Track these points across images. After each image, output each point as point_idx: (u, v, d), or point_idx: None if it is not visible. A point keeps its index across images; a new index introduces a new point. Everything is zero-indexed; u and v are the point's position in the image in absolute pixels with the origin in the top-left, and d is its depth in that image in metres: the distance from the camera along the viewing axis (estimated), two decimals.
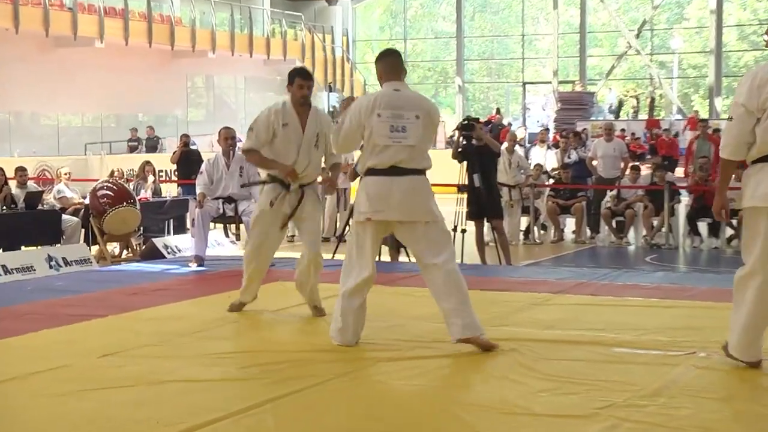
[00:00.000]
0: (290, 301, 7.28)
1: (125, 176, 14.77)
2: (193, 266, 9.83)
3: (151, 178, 14.24)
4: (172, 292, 8.10)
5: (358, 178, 5.88)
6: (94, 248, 12.24)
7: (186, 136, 16.51)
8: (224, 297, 7.80)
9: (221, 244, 12.84)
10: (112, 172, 14.41)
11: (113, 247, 13.01)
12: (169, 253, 12.05)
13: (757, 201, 4.88)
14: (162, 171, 21.68)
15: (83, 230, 12.44)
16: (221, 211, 10.27)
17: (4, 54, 25.85)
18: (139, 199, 12.73)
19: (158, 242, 12.28)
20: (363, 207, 5.65)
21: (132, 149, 26.46)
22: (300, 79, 6.59)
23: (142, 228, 13.07)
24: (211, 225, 10.72)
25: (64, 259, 10.82)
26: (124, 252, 12.76)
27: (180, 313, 6.97)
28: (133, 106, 30.06)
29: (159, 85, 30.83)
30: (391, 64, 5.77)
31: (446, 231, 5.85)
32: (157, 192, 14.36)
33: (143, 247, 12.83)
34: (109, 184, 12.35)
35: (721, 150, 4.99)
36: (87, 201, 12.55)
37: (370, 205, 5.61)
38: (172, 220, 13.79)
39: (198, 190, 10.20)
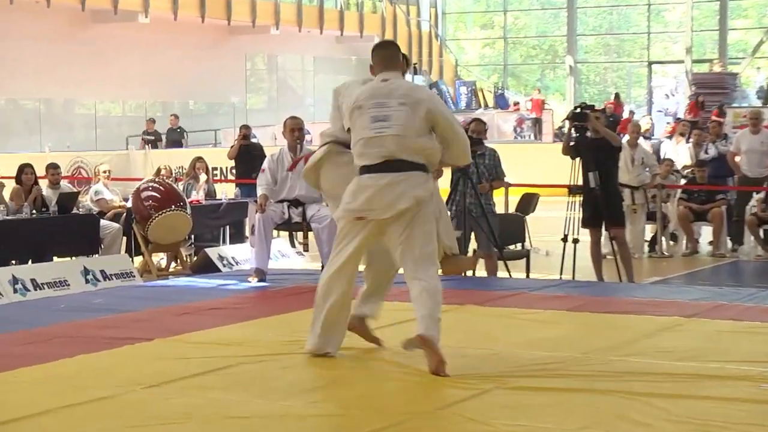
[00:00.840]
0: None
1: (173, 175, 15.01)
2: (253, 281, 9.92)
3: (203, 177, 14.42)
4: (229, 312, 8.18)
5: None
6: (138, 259, 12.45)
7: (246, 127, 16.68)
8: (290, 318, 7.85)
9: (286, 255, 12.95)
10: (159, 170, 14.64)
11: (159, 259, 13.21)
12: (224, 265, 12.19)
13: None
14: (216, 168, 21.99)
15: (125, 238, 12.66)
16: (286, 216, 10.33)
17: (34, 31, 26.49)
18: (190, 202, 12.90)
19: (212, 253, 12.43)
20: (343, 204, 6.12)
21: (149, 144, 25.63)
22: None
23: (193, 236, 13.24)
24: (275, 233, 10.81)
25: (102, 272, 11.02)
26: (172, 264, 12.95)
27: (238, 337, 7.03)
28: (183, 92, 30.51)
29: (213, 67, 31.25)
30: (385, 56, 6.23)
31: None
32: (210, 193, 14.54)
33: (194, 259, 12.99)
34: (155, 185, 12.54)
35: None
36: (129, 204, 12.77)
37: (349, 202, 6.05)
38: (228, 227, 13.95)
39: (259, 192, 10.28)
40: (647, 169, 14.15)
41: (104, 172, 13.79)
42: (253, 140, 17.03)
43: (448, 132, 6.07)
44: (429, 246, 6.03)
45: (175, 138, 26.04)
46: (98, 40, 28.11)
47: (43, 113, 27.39)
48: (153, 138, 25.80)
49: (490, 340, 6.82)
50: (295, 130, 10.25)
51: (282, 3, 32.62)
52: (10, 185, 12.55)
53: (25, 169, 12.37)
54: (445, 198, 10.98)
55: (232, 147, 16.86)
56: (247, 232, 13.15)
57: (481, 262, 10.60)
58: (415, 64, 35.72)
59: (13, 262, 11.16)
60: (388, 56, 6.22)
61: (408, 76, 33.61)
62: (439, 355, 5.81)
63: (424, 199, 5.99)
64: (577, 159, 10.76)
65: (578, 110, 10.79)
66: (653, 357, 6.26)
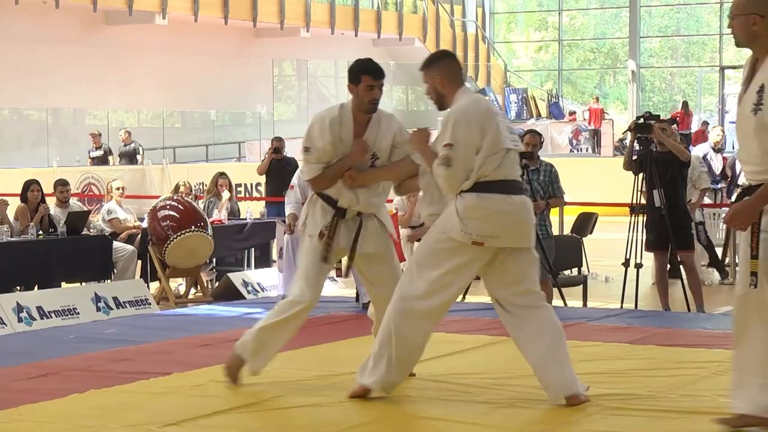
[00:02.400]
0: None
1: (193, 192, 15.06)
2: None
3: (226, 195, 14.48)
4: None
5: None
6: (154, 285, 12.51)
7: (278, 139, 16.63)
8: (321, 350, 7.87)
9: None
10: (177, 187, 14.70)
11: (178, 284, 13.26)
12: (249, 291, 12.23)
13: None
14: (240, 185, 22.07)
15: (140, 262, 12.73)
16: None
17: (42, 34, 26.73)
18: (212, 222, 12.96)
19: (235, 278, 12.47)
20: (475, 228, 5.94)
21: (96, 162, 24.27)
22: (370, 77, 6.54)
23: (214, 260, 13.29)
24: None
25: (115, 299, 11.09)
26: (192, 290, 13.00)
27: (264, 372, 7.05)
28: (204, 100, 30.66)
29: (237, 73, 31.39)
30: (455, 67, 6.29)
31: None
32: (234, 212, 14.59)
33: (216, 285, 13.04)
34: (173, 203, 12.60)
35: None
36: (145, 224, 12.84)
37: (486, 227, 5.92)
38: (253, 250, 13.99)
39: (287, 210, 10.33)
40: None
41: (117, 189, 13.87)
42: (286, 154, 16.96)
43: None
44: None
45: (130, 154, 24.95)
46: (111, 44, 28.32)
47: (51, 124, 27.62)
48: (102, 154, 24.60)
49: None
50: None
51: (313, 2, 32.74)
52: (15, 203, 12.66)
53: (31, 186, 12.48)
54: None
55: (262, 161, 16.80)
56: (275, 256, 13.21)
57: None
58: None
59: (18, 288, 11.25)
60: (459, 68, 6.34)
61: None
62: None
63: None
64: (641, 175, 10.72)
65: (642, 121, 10.76)
66: (726, 396, 6.21)
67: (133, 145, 24.88)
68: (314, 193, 6.71)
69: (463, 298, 10.64)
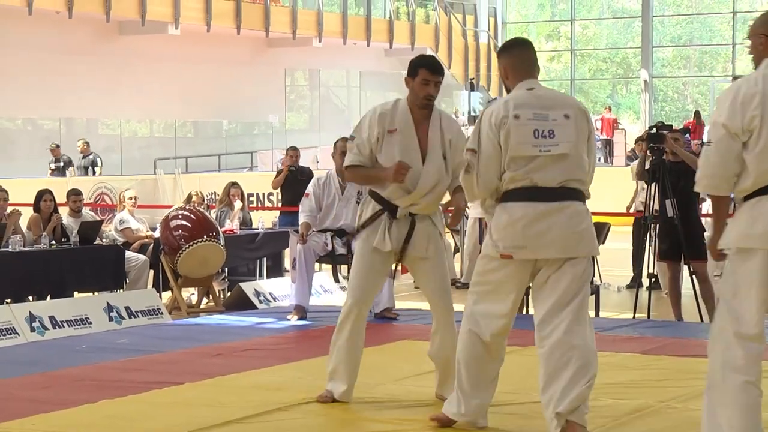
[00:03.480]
0: (421, 367, 7.30)
1: (206, 202, 15.07)
2: (293, 319, 9.96)
3: (238, 204, 14.49)
4: (266, 354, 8.23)
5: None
6: (166, 295, 12.53)
7: (294, 149, 16.55)
8: None
9: (329, 291, 12.98)
10: (189, 197, 14.72)
11: (190, 294, 13.28)
12: (261, 301, 12.24)
13: (754, 241, 4.97)
14: (252, 195, 22.10)
15: (152, 271, 12.75)
16: (329, 247, 10.37)
17: (55, 44, 26.82)
18: (224, 232, 12.97)
19: (247, 288, 12.48)
20: (500, 239, 5.63)
21: (56, 173, 23.70)
22: (427, 71, 6.41)
23: (227, 269, 13.30)
24: (317, 266, 10.84)
25: (127, 309, 11.10)
26: (204, 300, 13.01)
27: (276, 382, 7.06)
28: (216, 110, 30.72)
29: (249, 83, 31.45)
30: (523, 58, 5.83)
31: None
32: (246, 222, 14.60)
33: (228, 295, 13.05)
34: (186, 213, 12.62)
35: (697, 184, 5.11)
36: (157, 234, 12.86)
37: (510, 238, 5.59)
38: (265, 259, 14.00)
39: (301, 219, 10.32)
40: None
41: (130, 198, 13.89)
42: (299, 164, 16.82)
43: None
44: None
45: (87, 166, 24.24)
46: (124, 54, 28.38)
47: (64, 134, 27.68)
48: (62, 165, 24.01)
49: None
50: (344, 152, 10.21)
51: (325, 13, 32.78)
52: (28, 213, 12.69)
53: (44, 196, 12.51)
54: None
55: (277, 174, 16.56)
56: (287, 265, 13.22)
57: None
58: (472, 79, 35.76)
59: (30, 297, 11.27)
60: (525, 58, 5.84)
61: (464, 93, 33.38)
62: None
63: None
64: (653, 185, 10.71)
65: (654, 130, 10.75)
66: None
67: (91, 156, 24.33)
68: (368, 193, 6.70)
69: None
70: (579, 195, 5.67)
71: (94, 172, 23.93)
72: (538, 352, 5.60)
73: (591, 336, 5.58)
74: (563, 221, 5.56)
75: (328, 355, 6.62)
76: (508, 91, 5.85)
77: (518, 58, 5.81)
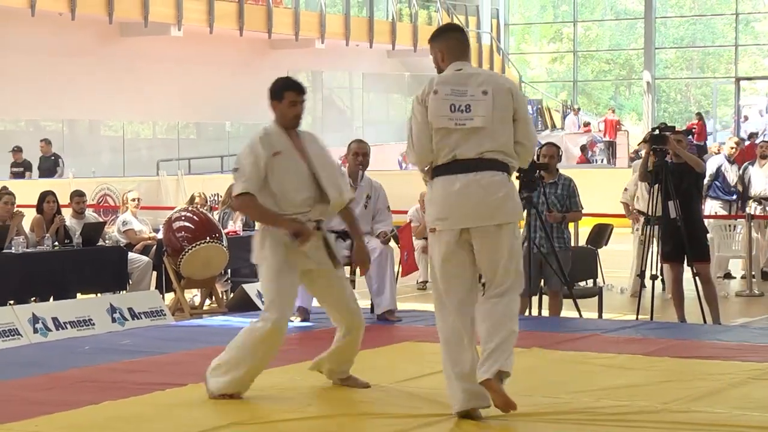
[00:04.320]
0: (424, 368, 7.31)
1: (209, 203, 15.11)
2: (296, 321, 9.96)
3: None
4: None
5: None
6: (169, 296, 12.54)
7: None
8: None
9: None
10: (192, 198, 14.74)
11: (193, 296, 13.29)
12: (263, 303, 12.23)
13: None
14: None
15: (155, 273, 12.76)
16: None
17: (58, 46, 26.84)
18: (227, 233, 12.99)
19: (250, 289, 12.49)
20: (429, 215, 6.08)
21: (17, 176, 23.01)
22: (294, 93, 6.70)
23: (229, 270, 13.31)
24: None
25: (130, 310, 11.11)
26: (207, 301, 13.02)
27: (278, 383, 7.06)
28: (219, 112, 30.73)
29: (252, 84, 31.37)
30: (457, 41, 6.24)
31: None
32: (249, 224, 14.61)
33: (231, 296, 13.06)
34: (189, 214, 12.64)
35: None
36: (160, 235, 12.87)
37: (436, 211, 6.01)
38: None
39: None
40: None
41: (133, 200, 13.91)
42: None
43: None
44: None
45: (49, 167, 23.89)
46: (127, 56, 28.40)
47: (66, 136, 27.70)
48: (22, 169, 23.64)
49: (558, 388, 6.79)
50: (359, 154, 10.22)
51: (328, 14, 32.78)
52: (31, 214, 12.70)
53: (46, 197, 12.52)
54: None
55: None
56: None
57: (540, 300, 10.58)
58: None
59: (34, 299, 11.28)
60: (457, 42, 6.28)
61: None
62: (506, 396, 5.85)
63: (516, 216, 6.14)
64: (656, 186, 10.70)
65: (657, 132, 10.74)
66: (742, 408, 6.21)
67: (52, 157, 24.06)
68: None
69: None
70: (497, 165, 5.99)
71: (56, 173, 23.55)
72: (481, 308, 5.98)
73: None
74: (478, 191, 5.92)
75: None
76: (440, 71, 6.21)
77: (453, 41, 6.25)
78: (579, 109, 36.94)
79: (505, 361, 5.83)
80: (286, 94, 6.67)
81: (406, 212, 14.90)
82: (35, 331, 10.06)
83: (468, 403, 5.94)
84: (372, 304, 10.26)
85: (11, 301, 10.83)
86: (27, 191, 15.90)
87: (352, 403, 6.49)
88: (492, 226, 5.93)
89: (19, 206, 12.55)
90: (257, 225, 6.90)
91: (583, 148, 31.69)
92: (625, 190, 13.89)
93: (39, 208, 12.51)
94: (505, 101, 6.02)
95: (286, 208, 6.61)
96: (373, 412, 6.30)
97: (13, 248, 11.47)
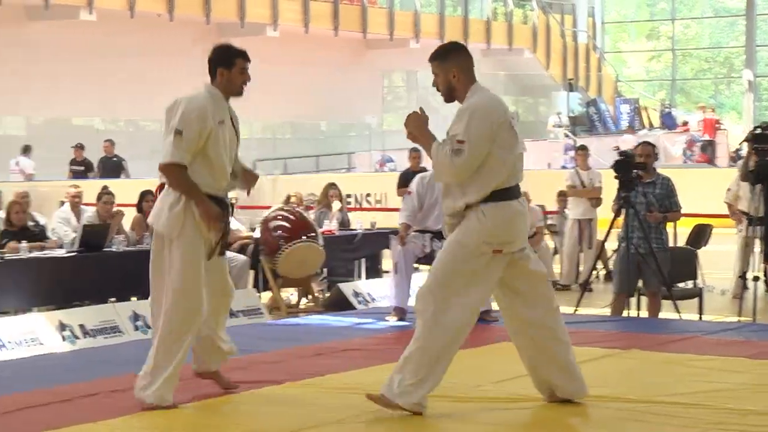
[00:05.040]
0: (521, 369, 7.28)
1: (304, 203, 15.18)
2: (393, 320, 9.97)
3: (337, 205, 14.57)
4: (366, 354, 8.24)
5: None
6: (266, 295, 12.63)
7: (417, 150, 16.40)
8: None
9: None
10: (288, 198, 14.84)
11: (289, 294, 13.37)
12: (360, 302, 12.29)
13: None
14: (350, 196, 22.17)
15: (252, 272, 12.86)
16: (428, 249, 10.35)
17: (156, 45, 27.21)
18: (323, 233, 13.04)
19: (346, 288, 12.54)
20: (494, 237, 6.05)
21: (76, 175, 22.75)
22: (243, 60, 6.60)
23: (325, 270, 13.37)
24: (415, 266, 10.85)
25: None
26: (303, 300, 13.10)
27: (377, 382, 7.06)
28: (314, 112, 30.92)
29: (346, 84, 31.60)
30: (472, 63, 6.26)
31: None
32: (344, 223, 14.67)
33: (327, 295, 13.12)
34: (285, 213, 12.70)
35: None
36: (257, 234, 12.97)
37: (504, 235, 6.06)
38: (364, 260, 14.04)
39: (400, 219, 10.31)
40: None
41: (230, 199, 14.00)
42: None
43: None
44: None
45: (114, 166, 23.74)
46: None
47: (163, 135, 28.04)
48: (82, 167, 23.56)
49: (657, 390, 6.71)
50: None
51: (422, 14, 32.82)
52: (131, 214, 12.87)
53: (146, 197, 12.68)
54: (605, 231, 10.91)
55: (399, 184, 16.22)
56: (386, 266, 13.26)
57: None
58: (570, 80, 35.51)
59: (134, 297, 11.43)
60: (472, 61, 6.32)
61: (563, 94, 33.22)
62: None
63: None
64: (758, 186, 10.54)
65: (759, 131, 10.58)
66: None
67: (114, 158, 23.97)
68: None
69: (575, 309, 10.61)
70: None
71: (119, 174, 23.40)
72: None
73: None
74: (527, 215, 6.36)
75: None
76: (452, 90, 6.26)
77: (468, 62, 6.27)
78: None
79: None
80: (237, 60, 6.57)
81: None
82: (136, 328, 10.19)
83: None
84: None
85: (112, 299, 11.00)
86: (124, 190, 16.16)
87: (457, 400, 6.47)
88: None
89: (117, 205, 12.74)
90: (170, 192, 6.46)
91: (704, 147, 31.10)
92: (728, 190, 13.68)
93: (139, 207, 12.68)
94: None
95: (221, 180, 6.54)
96: (473, 412, 6.28)
97: (114, 247, 11.64)
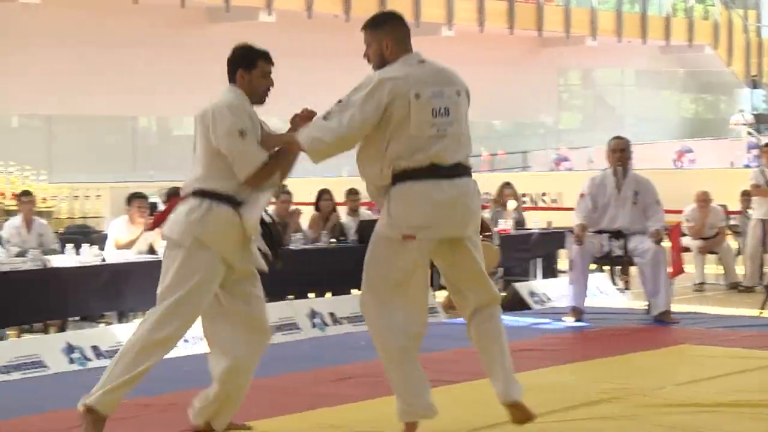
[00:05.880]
0: (702, 372, 7.15)
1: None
2: (570, 321, 9.91)
3: (512, 204, 14.52)
4: (543, 354, 8.21)
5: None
6: (440, 294, 12.66)
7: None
8: (611, 362, 7.79)
9: (605, 292, 12.84)
10: None
11: None
12: (536, 302, 12.22)
13: None
14: (526, 195, 22.08)
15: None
16: (606, 249, 10.27)
17: (332, 46, 27.53)
18: (498, 232, 13.02)
19: (522, 288, 12.48)
20: (401, 221, 5.56)
21: None
22: (265, 62, 5.78)
23: (501, 269, 13.34)
24: (592, 266, 10.76)
25: None
26: None
27: (554, 382, 7.03)
28: (488, 110, 30.88)
29: (521, 83, 31.50)
30: (402, 29, 5.73)
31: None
32: (520, 222, 14.62)
33: (503, 294, 13.10)
34: None
35: None
36: None
37: (414, 219, 5.53)
38: (539, 260, 13.97)
39: (576, 220, 10.27)
40: None
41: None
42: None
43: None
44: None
45: None
46: None
47: None
48: None
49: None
50: (616, 151, 10.24)
51: (599, 11, 32.47)
52: (308, 212, 13.05)
53: (323, 195, 12.84)
54: None
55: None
56: (563, 266, 13.16)
57: None
58: (754, 77, 34.67)
59: (311, 294, 11.59)
60: (405, 30, 5.77)
61: (746, 91, 32.25)
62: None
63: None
64: None
65: None
66: None
67: None
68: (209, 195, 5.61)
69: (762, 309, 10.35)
70: (470, 172, 5.81)
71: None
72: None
73: None
74: (463, 199, 5.67)
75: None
76: (384, 63, 5.65)
77: (401, 32, 5.74)
78: None
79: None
80: (259, 62, 5.75)
81: (680, 212, 14.59)
82: (313, 325, 10.33)
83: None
84: (648, 305, 10.10)
85: (290, 296, 11.17)
86: (301, 189, 16.39)
87: (628, 403, 6.38)
88: (467, 237, 5.70)
89: (294, 204, 12.93)
90: (190, 200, 5.60)
91: None
92: None
93: (316, 205, 12.84)
94: (466, 102, 5.86)
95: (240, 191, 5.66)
96: (653, 415, 6.19)
97: (291, 245, 11.82)
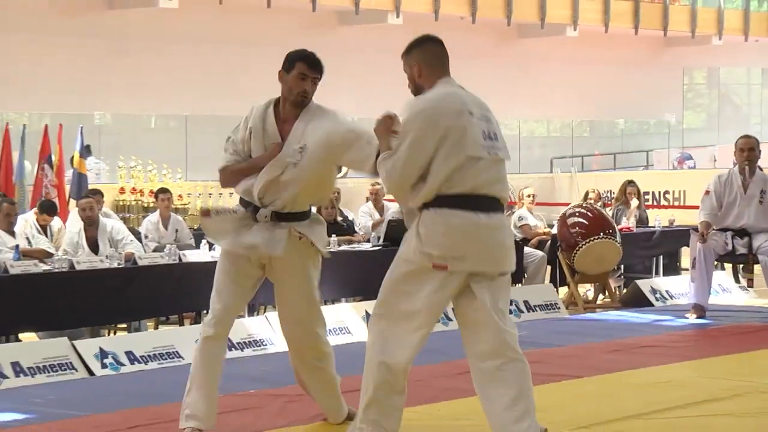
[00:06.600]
0: None
1: (602, 200, 15.04)
2: (692, 318, 9.77)
3: (634, 203, 14.38)
4: (665, 351, 8.12)
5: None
6: (563, 290, 12.58)
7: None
8: (732, 360, 7.68)
9: (728, 290, 12.63)
10: (586, 195, 14.72)
11: (586, 290, 13.27)
12: (657, 299, 12.07)
13: None
14: (648, 193, 21.82)
15: (549, 267, 12.84)
16: (729, 247, 10.12)
17: (458, 47, 27.46)
18: (620, 230, 12.90)
19: (643, 285, 12.35)
20: (434, 248, 5.11)
21: None
22: (305, 65, 5.65)
23: (623, 266, 13.21)
24: (716, 264, 10.61)
25: (526, 302, 11.22)
26: (600, 296, 12.98)
27: (676, 379, 6.96)
28: (611, 110, 30.60)
29: (646, 82, 31.10)
30: (441, 54, 5.44)
31: None
32: (642, 220, 14.46)
33: (624, 291, 12.96)
34: (582, 210, 12.62)
35: None
36: (554, 230, 12.94)
37: (448, 248, 5.09)
38: (661, 257, 13.81)
39: (700, 218, 10.14)
40: None
41: (528, 196, 14.04)
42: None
43: None
44: None
45: None
46: (523, 56, 28.79)
47: None
48: None
49: None
50: (744, 150, 10.09)
51: (726, 9, 31.90)
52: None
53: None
54: None
55: None
56: (686, 264, 12.98)
57: None
58: None
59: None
60: (443, 55, 5.46)
61: None
62: None
63: None
64: None
65: None
66: None
67: None
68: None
69: None
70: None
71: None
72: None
73: None
74: (501, 234, 5.27)
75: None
76: (419, 89, 5.39)
77: (431, 53, 5.46)
78: None
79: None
80: (298, 64, 5.62)
81: None
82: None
83: None
84: None
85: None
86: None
87: (750, 404, 6.26)
88: (499, 273, 5.21)
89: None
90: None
91: None
92: None
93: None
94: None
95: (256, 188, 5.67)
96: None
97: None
